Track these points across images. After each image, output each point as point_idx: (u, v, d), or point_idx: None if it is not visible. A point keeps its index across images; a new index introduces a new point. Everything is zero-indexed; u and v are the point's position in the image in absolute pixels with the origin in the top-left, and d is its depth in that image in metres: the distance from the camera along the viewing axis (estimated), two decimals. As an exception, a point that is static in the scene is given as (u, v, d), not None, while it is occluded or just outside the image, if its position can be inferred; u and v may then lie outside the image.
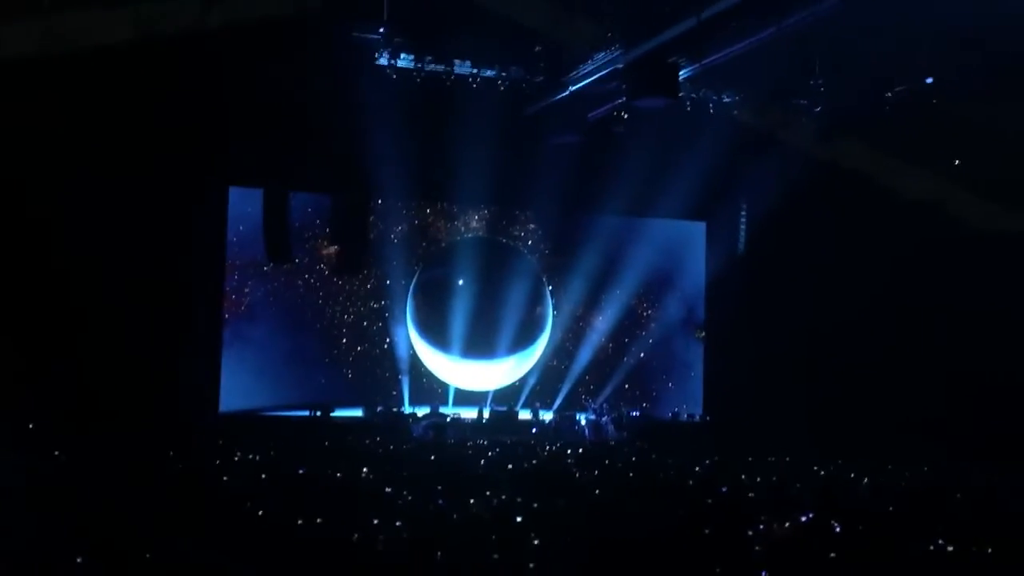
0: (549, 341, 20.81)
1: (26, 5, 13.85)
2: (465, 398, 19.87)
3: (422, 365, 20.17)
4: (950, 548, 7.47)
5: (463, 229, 20.76)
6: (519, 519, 8.09)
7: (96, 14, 14.33)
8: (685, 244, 20.75)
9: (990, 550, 7.41)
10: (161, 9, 14.60)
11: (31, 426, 12.91)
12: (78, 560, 6.32)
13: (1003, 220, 17.59)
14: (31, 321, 15.12)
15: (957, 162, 17.27)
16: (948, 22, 12.73)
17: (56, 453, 10.84)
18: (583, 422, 18.04)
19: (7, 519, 7.40)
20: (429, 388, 20.04)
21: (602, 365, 20.97)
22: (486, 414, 18.03)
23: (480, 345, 19.89)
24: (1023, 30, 12.33)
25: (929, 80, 14.39)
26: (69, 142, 15.04)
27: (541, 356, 20.76)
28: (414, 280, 20.10)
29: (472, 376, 20.19)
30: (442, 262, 20.24)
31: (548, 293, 20.91)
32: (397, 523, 7.66)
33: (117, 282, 15.60)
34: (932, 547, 7.51)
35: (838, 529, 8.01)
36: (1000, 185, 17.08)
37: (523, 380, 20.67)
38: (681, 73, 14.19)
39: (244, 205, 18.04)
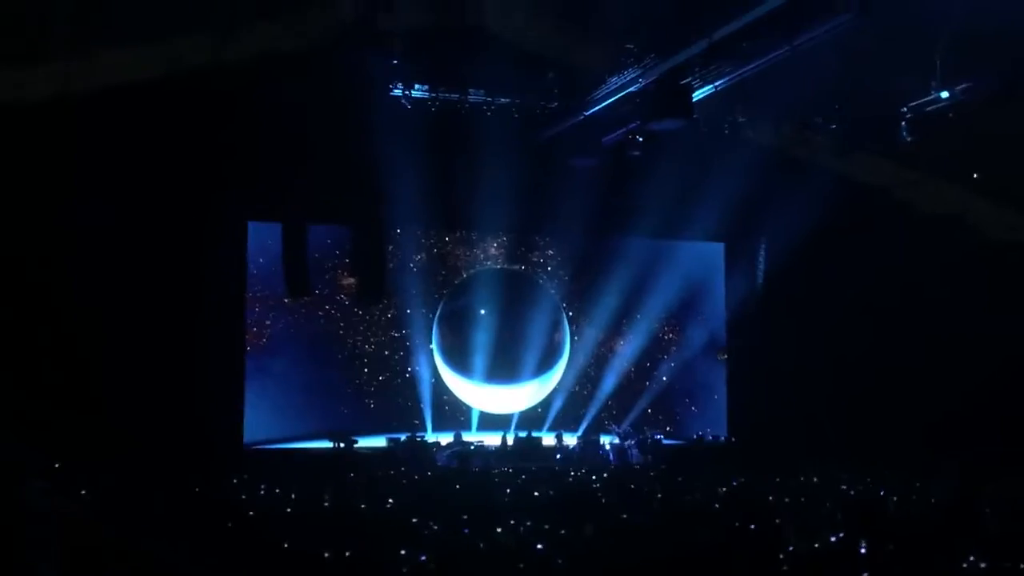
0: (572, 366, 20.89)
1: (41, 49, 14.03)
2: (488, 424, 19.91)
3: (444, 392, 20.29)
4: (982, 565, 7.39)
5: (482, 256, 20.85)
6: (544, 546, 8.04)
7: (113, 53, 14.48)
8: (705, 266, 20.69)
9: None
10: (178, 47, 14.73)
11: (56, 464, 12.93)
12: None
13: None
14: (55, 358, 15.20)
15: (976, 175, 17.19)
16: (962, 35, 12.73)
17: (82, 492, 10.84)
18: (607, 447, 17.97)
19: (35, 555, 7.41)
20: (452, 415, 20.14)
21: (625, 389, 20.99)
22: (510, 440, 18.00)
23: (503, 370, 20.15)
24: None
25: (944, 94, 14.34)
26: (89, 181, 15.16)
27: (564, 381, 20.86)
28: (438, 311, 20.27)
29: (496, 400, 20.41)
30: (464, 293, 20.47)
31: (566, 319, 21.07)
32: (423, 555, 7.63)
33: (140, 318, 15.68)
34: (965, 564, 7.42)
35: (865, 549, 7.93)
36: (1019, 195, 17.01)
37: (547, 406, 20.74)
38: (695, 95, 14.20)
39: (264, 238, 18.16)
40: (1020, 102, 13.95)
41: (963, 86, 14.04)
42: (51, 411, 14.41)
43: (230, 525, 9.13)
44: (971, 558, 7.48)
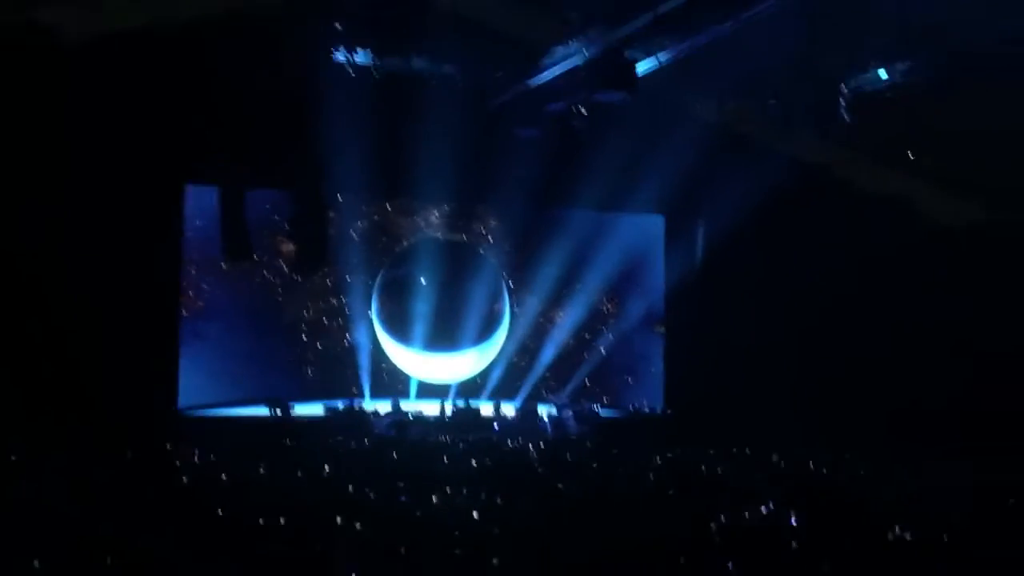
0: (511, 337, 20.96)
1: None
2: (427, 393, 19.92)
3: (383, 360, 20.27)
4: (907, 536, 7.56)
5: (423, 225, 20.79)
6: (479, 516, 8.09)
7: (45, 9, 14.14)
8: (645, 240, 20.80)
9: (946, 538, 7.51)
10: (119, 5, 14.42)
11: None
12: (34, 564, 6.23)
13: (970, 213, 17.83)
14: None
15: (913, 157, 17.47)
16: (904, 19, 12.89)
17: (12, 457, 10.68)
18: (545, 417, 18.07)
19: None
20: (390, 383, 20.12)
21: (563, 360, 21.11)
22: (448, 409, 18.03)
23: (442, 338, 20.17)
24: (980, 23, 12.50)
25: (883, 74, 14.54)
26: (22, 138, 14.85)
27: (503, 352, 20.91)
28: (378, 280, 20.20)
29: (436, 368, 20.41)
30: (405, 261, 20.39)
31: (506, 289, 21.11)
32: (359, 523, 7.63)
33: (71, 279, 15.41)
34: (891, 536, 7.60)
35: (795, 521, 8.08)
36: (963, 179, 17.32)
37: (485, 375, 20.81)
38: (639, 68, 14.24)
39: (202, 202, 17.92)
40: (958, 91, 14.20)
41: (902, 67, 14.24)
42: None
43: (163, 492, 9.07)
44: (897, 529, 7.65)
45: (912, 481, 10.90)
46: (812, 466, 12.01)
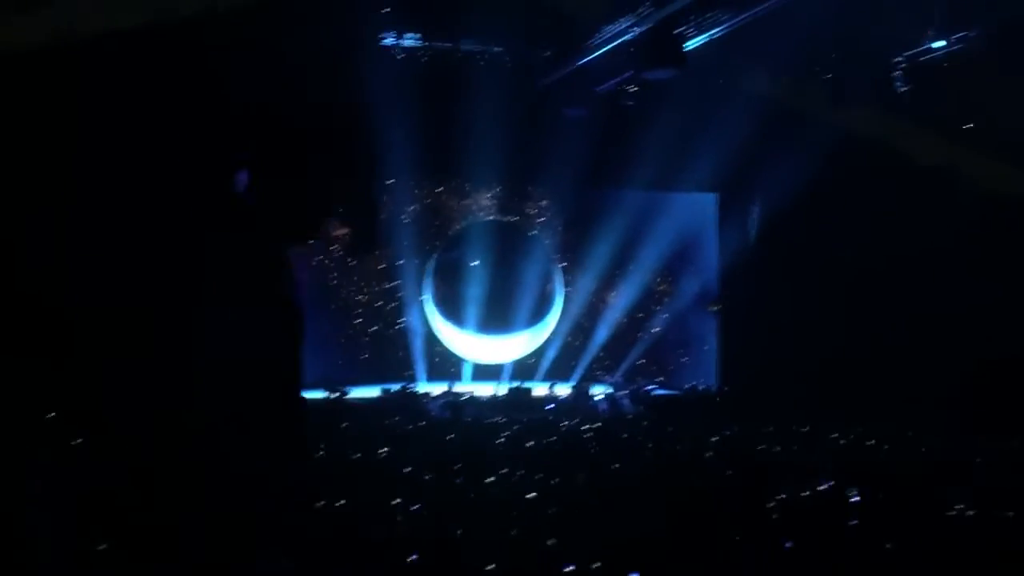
0: (565, 317, 20.95)
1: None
2: (481, 374, 20.03)
3: (436, 343, 20.38)
4: (970, 513, 7.46)
5: (475, 207, 20.81)
6: (535, 496, 8.10)
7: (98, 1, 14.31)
8: (699, 218, 20.65)
9: (1011, 514, 7.40)
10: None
11: (51, 414, 12.93)
12: (100, 547, 6.35)
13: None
14: (50, 297, 15.08)
15: (971, 125, 17.11)
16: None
17: (79, 441, 10.85)
18: (599, 396, 18.06)
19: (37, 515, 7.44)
20: (443, 366, 20.24)
21: (618, 340, 21.09)
22: (503, 390, 18.08)
23: (496, 320, 20.25)
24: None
25: (940, 43, 14.25)
26: (84, 132, 15.02)
27: (557, 332, 20.91)
28: (432, 263, 20.29)
29: (490, 350, 20.51)
30: (457, 245, 20.49)
31: (558, 271, 21.08)
32: (417, 504, 7.68)
33: (129, 269, 15.59)
34: (952, 512, 7.50)
35: (857, 497, 8.00)
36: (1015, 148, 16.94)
37: (539, 356, 20.84)
38: (689, 44, 14.09)
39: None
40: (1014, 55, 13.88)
41: (959, 35, 13.95)
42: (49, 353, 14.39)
43: (221, 475, 9.18)
44: (960, 506, 7.55)
45: (973, 457, 10.73)
46: (872, 443, 11.88)
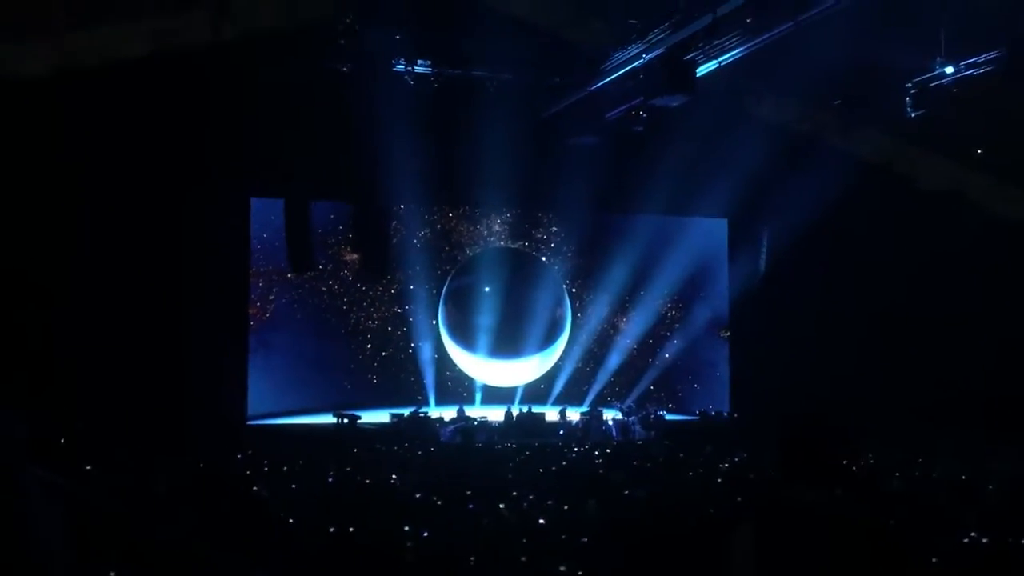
0: (575, 343, 21.00)
1: (40, 25, 13.97)
2: (491, 399, 20.02)
3: (448, 368, 20.41)
4: (984, 540, 7.42)
5: (486, 233, 20.88)
6: (547, 522, 8.08)
7: (110, 31, 14.44)
8: (709, 244, 20.67)
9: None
10: (175, 24, 14.70)
11: (62, 440, 12.97)
12: (111, 574, 6.35)
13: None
14: (58, 334, 15.23)
15: (979, 151, 17.14)
16: (966, 11, 12.66)
17: (88, 467, 10.88)
18: (610, 422, 18.02)
19: (41, 531, 7.43)
20: (455, 390, 20.25)
21: (628, 366, 21.12)
22: (514, 413, 18.09)
23: (506, 344, 20.33)
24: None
25: (949, 69, 14.28)
26: (91, 159, 15.16)
27: (567, 357, 20.95)
28: (444, 288, 20.37)
29: (500, 373, 20.63)
30: (469, 271, 20.60)
31: (567, 296, 21.17)
32: (427, 531, 7.66)
33: (143, 294, 15.73)
34: (965, 540, 7.45)
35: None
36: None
37: (550, 381, 20.85)
38: (699, 70, 14.13)
39: (267, 214, 18.21)
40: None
41: (967, 61, 13.98)
42: (53, 388, 14.48)
43: (233, 501, 9.18)
44: (972, 533, 7.51)
45: (985, 483, 10.67)
46: (883, 467, 11.82)
